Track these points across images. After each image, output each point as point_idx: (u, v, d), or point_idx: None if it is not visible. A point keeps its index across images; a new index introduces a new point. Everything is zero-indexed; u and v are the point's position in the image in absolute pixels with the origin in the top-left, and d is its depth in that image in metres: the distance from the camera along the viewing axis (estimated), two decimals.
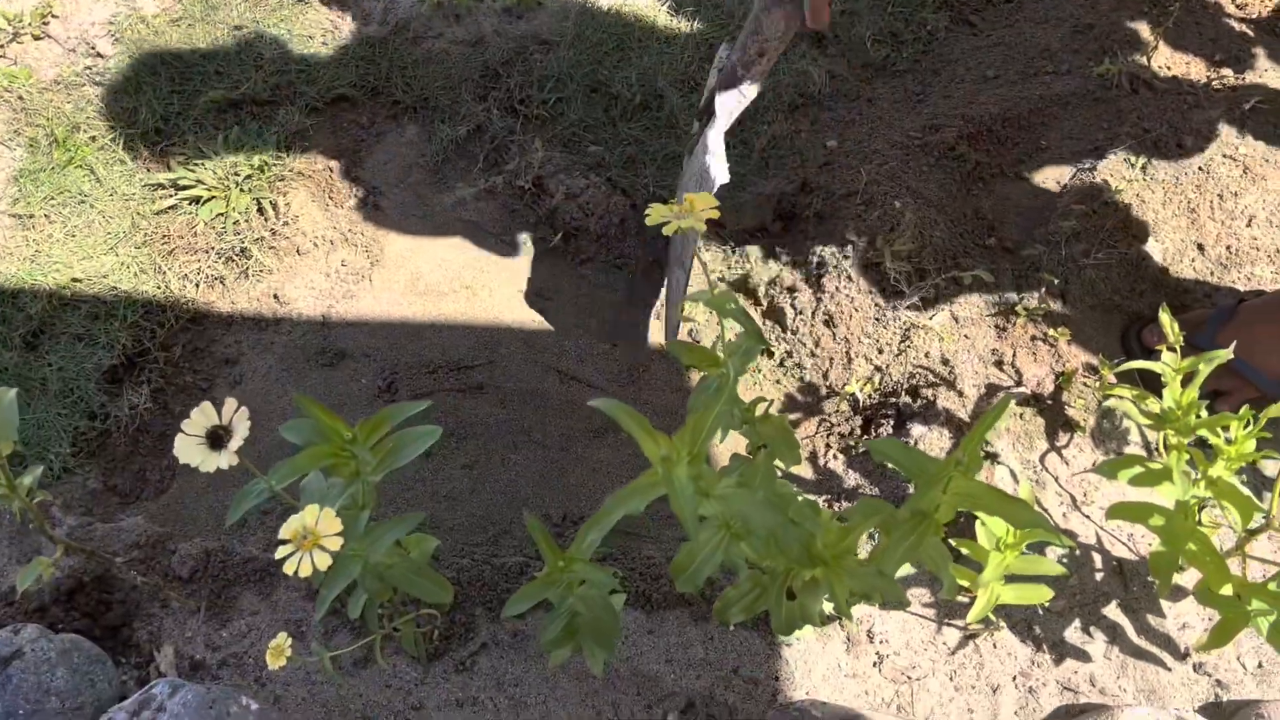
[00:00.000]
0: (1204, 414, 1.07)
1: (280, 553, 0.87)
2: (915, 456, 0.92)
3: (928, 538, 0.95)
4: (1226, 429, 1.08)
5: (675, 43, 1.86)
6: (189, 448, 0.93)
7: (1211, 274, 1.57)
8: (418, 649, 1.26)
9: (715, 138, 1.36)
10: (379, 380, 1.55)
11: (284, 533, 0.87)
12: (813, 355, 1.57)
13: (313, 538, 0.86)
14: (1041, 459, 1.45)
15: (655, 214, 0.95)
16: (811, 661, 1.29)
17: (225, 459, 0.92)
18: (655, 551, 1.39)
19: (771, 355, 1.55)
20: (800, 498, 1.04)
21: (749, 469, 0.90)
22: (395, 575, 1.01)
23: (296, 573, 0.86)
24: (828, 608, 1.32)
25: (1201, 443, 1.32)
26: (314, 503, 0.92)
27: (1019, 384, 1.50)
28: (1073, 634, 1.32)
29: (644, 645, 1.30)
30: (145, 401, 1.51)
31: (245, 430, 0.93)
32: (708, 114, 1.41)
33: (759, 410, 1.04)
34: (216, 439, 0.94)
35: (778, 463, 1.36)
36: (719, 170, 1.31)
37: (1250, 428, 1.06)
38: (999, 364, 1.51)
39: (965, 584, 1.19)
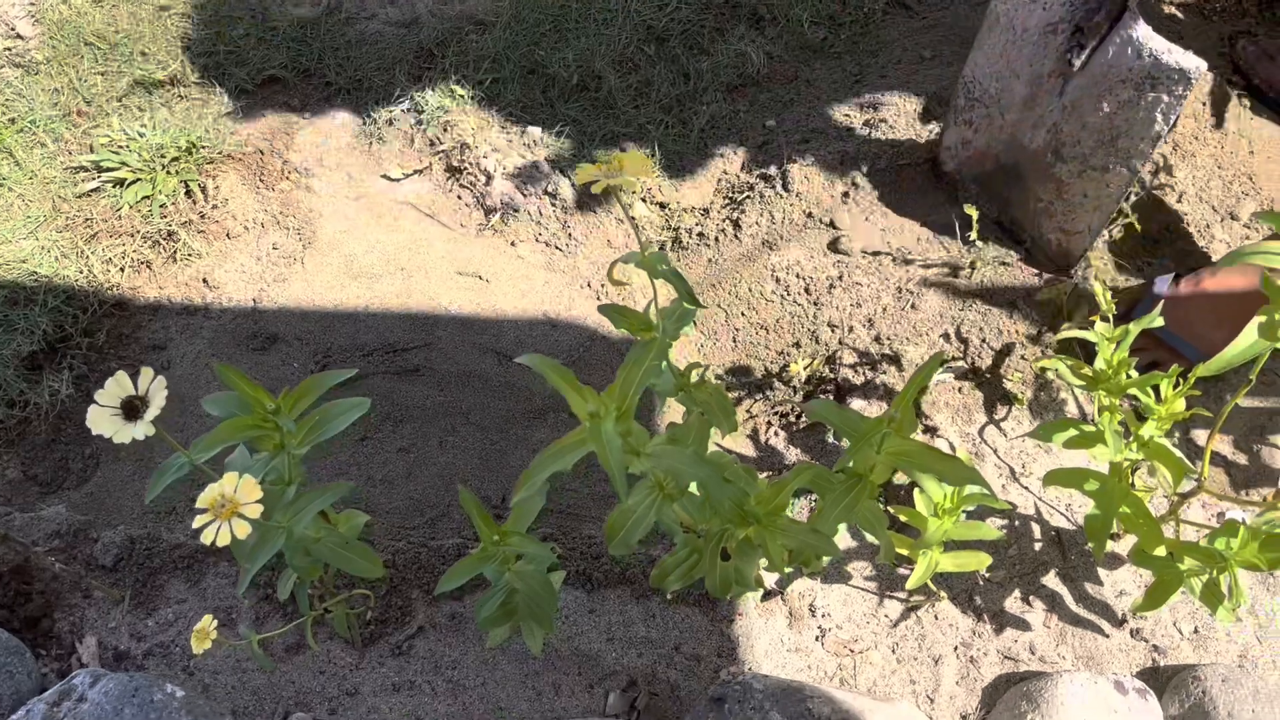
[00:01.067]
0: (1134, 374, 1.08)
1: (197, 522, 0.84)
2: (849, 417, 0.91)
3: (863, 499, 0.94)
4: (1156, 389, 1.09)
5: (613, 24, 1.85)
6: (102, 418, 0.89)
7: (1145, 249, 1.59)
8: (351, 632, 1.23)
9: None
10: (311, 364, 1.52)
11: (201, 501, 0.84)
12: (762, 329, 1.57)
13: (231, 506, 0.83)
14: (980, 432, 1.46)
15: (583, 174, 0.93)
16: (754, 637, 1.28)
17: (141, 429, 0.89)
18: (596, 531, 1.37)
19: (695, 323, 1.55)
20: (738, 465, 1.03)
21: (681, 428, 0.88)
22: (323, 550, 0.98)
23: (214, 544, 0.83)
24: (768, 580, 1.31)
25: (1138, 415, 1.33)
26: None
27: (963, 357, 1.50)
28: (1013, 603, 1.32)
29: (585, 624, 1.28)
30: (67, 388, 1.46)
31: (162, 400, 0.90)
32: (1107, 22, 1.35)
33: (694, 376, 1.02)
34: (132, 409, 0.90)
35: (716, 435, 1.35)
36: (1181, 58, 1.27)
37: (1180, 387, 1.07)
38: (945, 337, 1.52)
39: (905, 552, 1.19)
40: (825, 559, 1.31)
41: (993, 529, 1.13)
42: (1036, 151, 1.48)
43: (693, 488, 0.96)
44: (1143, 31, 1.32)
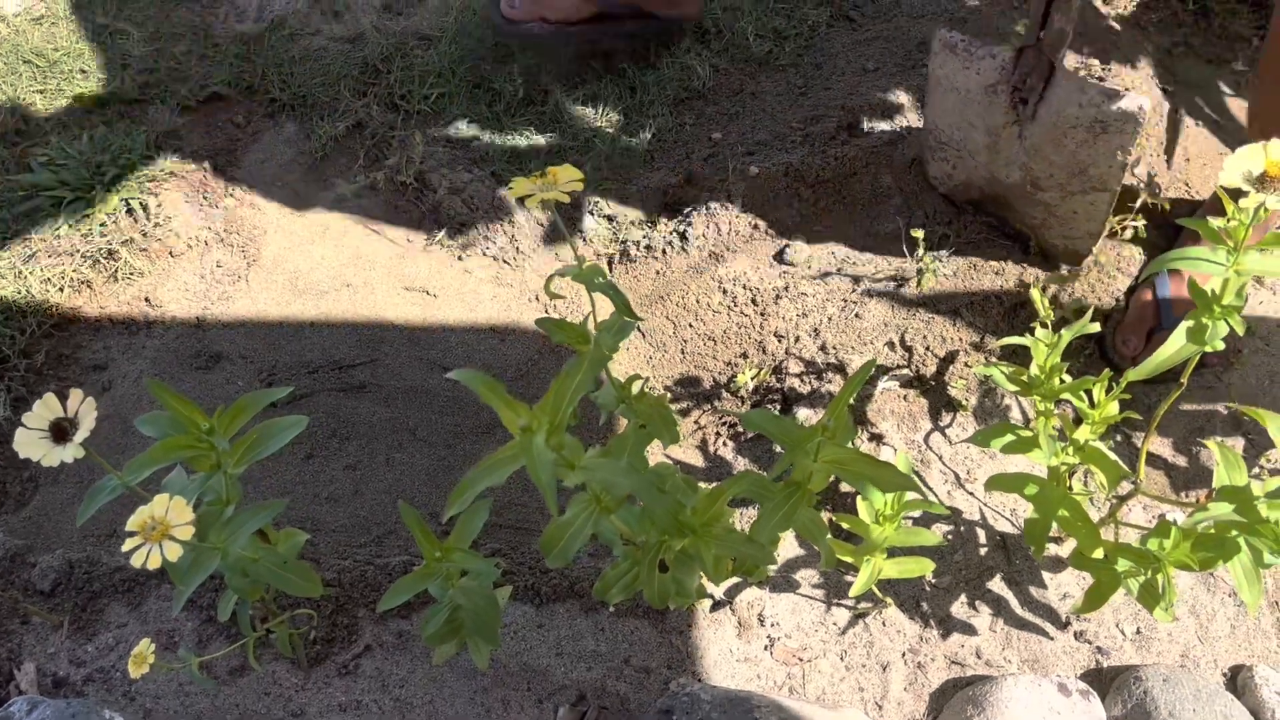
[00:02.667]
0: (1067, 379, 1.10)
1: (127, 545, 0.83)
2: (785, 425, 0.92)
3: (801, 507, 0.95)
4: (1090, 394, 1.10)
5: (559, 39, 1.85)
6: (30, 442, 0.88)
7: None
8: (296, 652, 1.22)
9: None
10: (256, 382, 1.50)
11: (131, 524, 0.83)
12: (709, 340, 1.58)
13: (161, 528, 0.82)
14: (925, 439, 1.47)
15: (518, 187, 0.93)
16: (703, 647, 1.28)
17: (70, 452, 0.87)
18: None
19: (644, 335, 1.55)
20: (679, 476, 1.03)
21: (618, 440, 0.89)
22: (260, 570, 0.97)
23: (145, 566, 0.82)
24: (716, 591, 1.31)
25: (1079, 420, 1.35)
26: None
27: (908, 365, 1.51)
28: (959, 609, 1.33)
29: (533, 639, 1.28)
30: (4, 411, 1.44)
31: (92, 422, 0.89)
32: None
33: (635, 388, 1.02)
34: (61, 432, 0.89)
35: (660, 446, 1.35)
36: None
37: (1112, 391, 1.09)
38: (889, 345, 1.53)
39: (849, 559, 1.20)
40: (770, 568, 1.32)
41: (934, 535, 1.15)
42: (1015, 184, 1.51)
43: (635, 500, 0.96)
44: (1076, 86, 1.36)
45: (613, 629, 1.28)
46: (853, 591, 1.17)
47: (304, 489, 1.42)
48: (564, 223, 0.92)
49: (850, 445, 1.43)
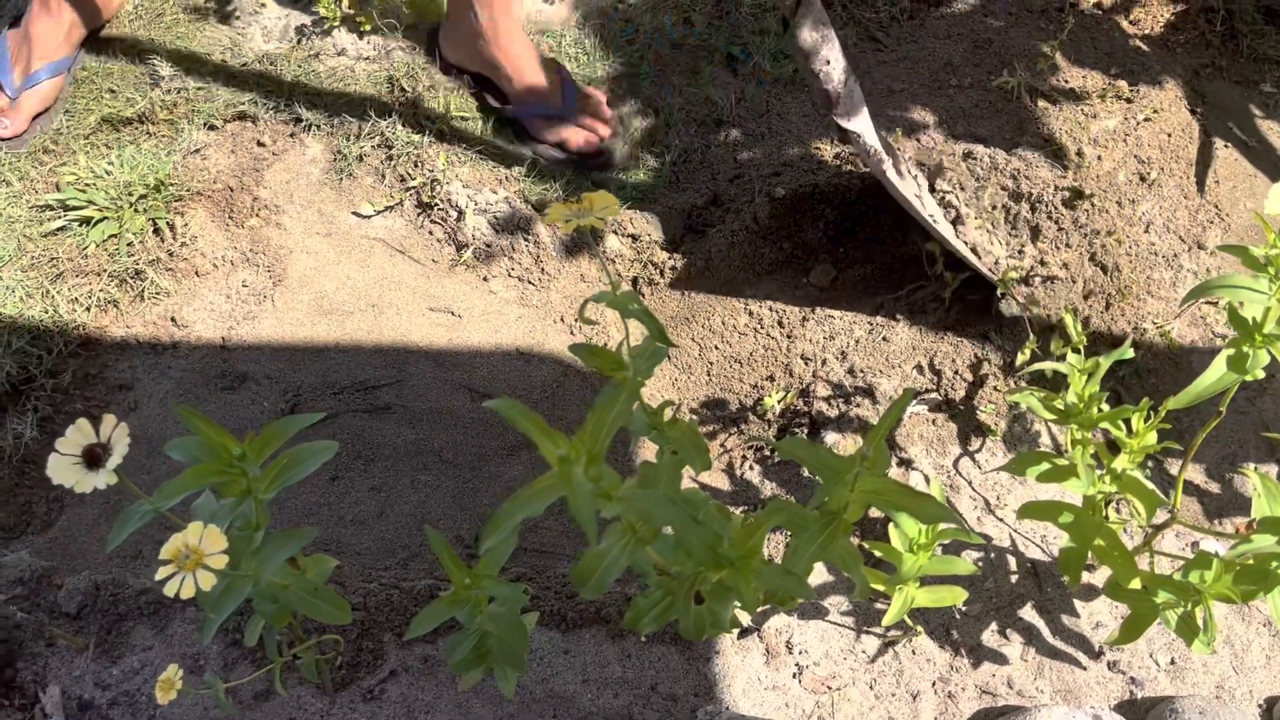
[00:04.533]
0: (1105, 407, 1.08)
1: (160, 574, 0.82)
2: (821, 454, 0.91)
3: (837, 537, 0.94)
4: (1128, 422, 1.09)
5: (582, 61, 1.85)
6: (63, 468, 0.88)
7: None
8: (322, 677, 1.21)
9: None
10: (281, 403, 1.50)
11: (165, 553, 0.83)
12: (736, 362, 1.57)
13: (195, 557, 0.82)
14: (955, 464, 1.45)
15: (553, 214, 0.93)
16: (731, 675, 1.27)
17: (103, 478, 0.87)
18: (570, 569, 1.35)
19: (670, 357, 1.55)
20: (712, 504, 1.02)
21: (652, 469, 0.88)
22: (290, 596, 0.97)
23: (178, 595, 0.81)
24: (744, 619, 1.30)
25: (1112, 446, 1.33)
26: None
27: (936, 389, 1.50)
28: (990, 637, 1.32)
29: (559, 665, 1.26)
30: (31, 430, 1.43)
31: (125, 448, 0.88)
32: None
33: (666, 415, 1.02)
34: (94, 458, 0.89)
35: (689, 471, 1.34)
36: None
37: (1151, 420, 1.07)
38: (918, 369, 1.52)
39: (881, 588, 1.18)
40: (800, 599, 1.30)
41: (968, 564, 1.13)
42: None
43: (667, 529, 0.95)
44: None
45: (639, 656, 1.27)
46: (885, 620, 1.16)
47: (329, 511, 1.42)
48: (598, 250, 0.92)
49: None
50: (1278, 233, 0.96)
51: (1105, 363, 1.08)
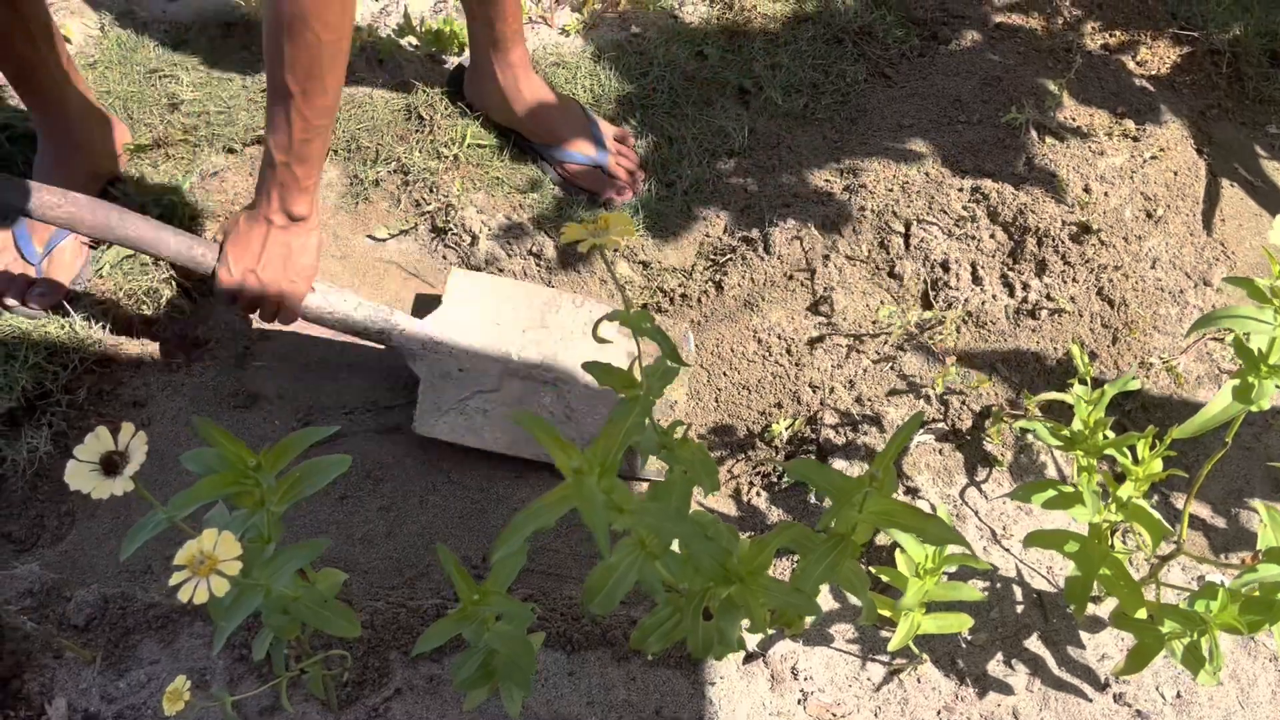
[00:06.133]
0: (1110, 434, 1.09)
1: (175, 579, 0.83)
2: (830, 475, 0.92)
3: (845, 559, 0.94)
4: (1134, 450, 1.10)
5: (595, 93, 1.88)
6: (81, 474, 0.89)
7: None
8: (328, 694, 1.21)
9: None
10: (293, 422, 1.51)
11: (179, 558, 0.83)
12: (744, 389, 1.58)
13: (209, 562, 0.82)
14: (961, 494, 1.46)
15: (570, 232, 0.95)
16: (735, 700, 1.27)
17: (120, 485, 0.88)
18: (577, 591, 1.36)
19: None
20: (721, 525, 1.03)
21: (663, 485, 0.89)
22: (300, 608, 0.97)
23: (191, 603, 0.82)
24: (751, 642, 1.30)
25: (1119, 479, 1.34)
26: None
27: (944, 419, 1.51)
28: (995, 667, 1.32)
29: (564, 687, 1.27)
30: (46, 445, 1.45)
31: (142, 456, 0.89)
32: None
33: (677, 434, 1.03)
34: (111, 465, 0.90)
35: (698, 492, 1.35)
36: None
37: (1156, 448, 1.08)
38: (925, 398, 1.53)
39: (887, 613, 1.19)
40: (807, 620, 1.30)
41: (974, 590, 1.14)
42: None
43: (675, 546, 0.96)
44: None
45: (644, 679, 1.27)
46: (891, 646, 1.16)
47: (338, 529, 1.43)
48: (613, 271, 0.93)
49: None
50: None
51: (1110, 390, 1.09)
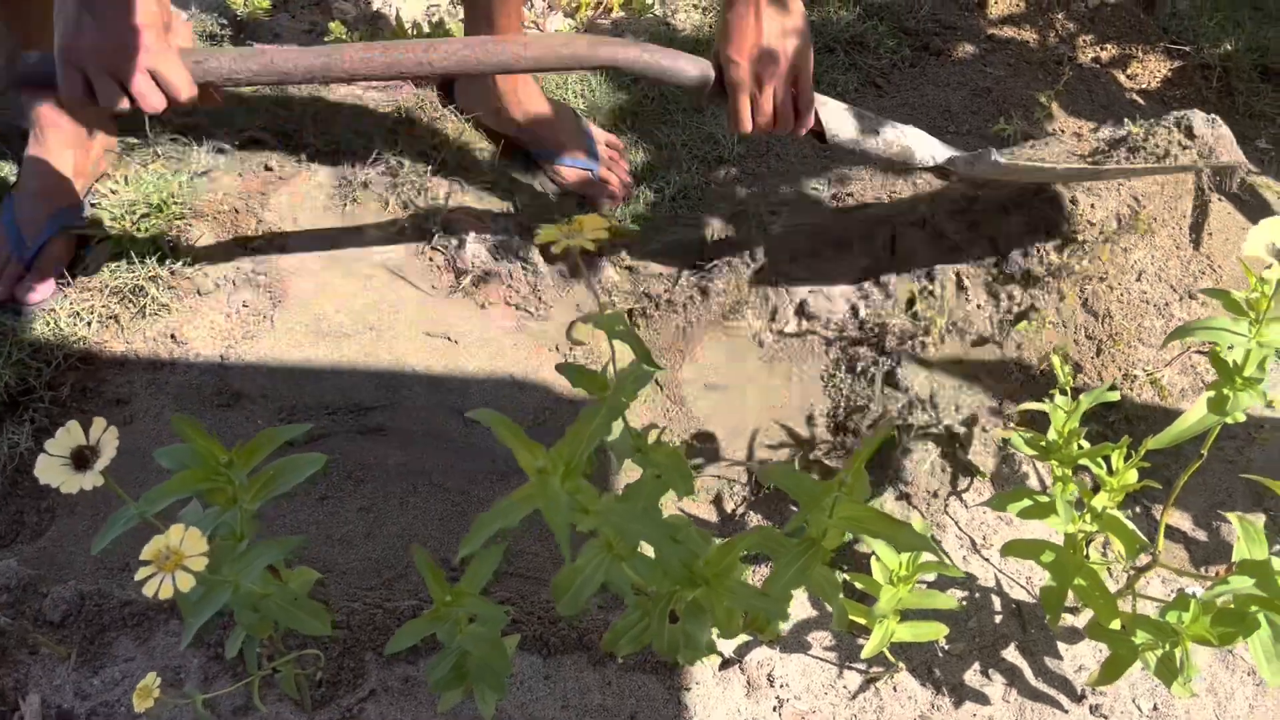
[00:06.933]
0: (1085, 444, 1.09)
1: (140, 574, 0.83)
2: (801, 479, 0.92)
3: (815, 564, 0.94)
4: (1109, 460, 1.10)
5: (592, 99, 1.89)
6: (51, 468, 0.89)
7: None
8: (301, 694, 1.21)
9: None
10: (275, 421, 1.51)
11: (146, 553, 0.83)
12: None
13: (175, 558, 0.82)
14: (944, 502, 1.46)
15: (544, 234, 0.95)
16: (710, 706, 1.26)
17: (90, 480, 0.88)
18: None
19: (661, 387, 1.56)
20: (693, 529, 1.03)
21: (633, 488, 0.89)
22: (270, 606, 0.97)
23: (157, 596, 0.82)
24: (727, 648, 1.30)
25: (1098, 488, 1.34)
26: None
27: (928, 426, 1.51)
28: (972, 677, 1.31)
29: (540, 691, 1.26)
30: (27, 441, 1.45)
31: (113, 451, 0.90)
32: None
33: (651, 437, 1.03)
34: (82, 459, 0.90)
35: (673, 497, 1.35)
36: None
37: (1131, 459, 1.08)
38: (909, 406, 1.53)
39: (862, 621, 1.18)
40: (782, 625, 1.30)
41: (949, 598, 1.13)
42: None
43: (645, 548, 0.96)
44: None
45: (620, 684, 1.27)
46: (865, 653, 1.16)
47: (317, 530, 1.42)
48: (587, 272, 0.94)
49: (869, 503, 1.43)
50: (1258, 276, 0.97)
51: (1086, 400, 1.09)
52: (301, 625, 0.98)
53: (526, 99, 1.71)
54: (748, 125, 1.37)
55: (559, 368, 0.98)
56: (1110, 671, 1.13)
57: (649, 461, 1.03)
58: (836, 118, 1.43)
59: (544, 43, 1.34)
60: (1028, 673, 1.32)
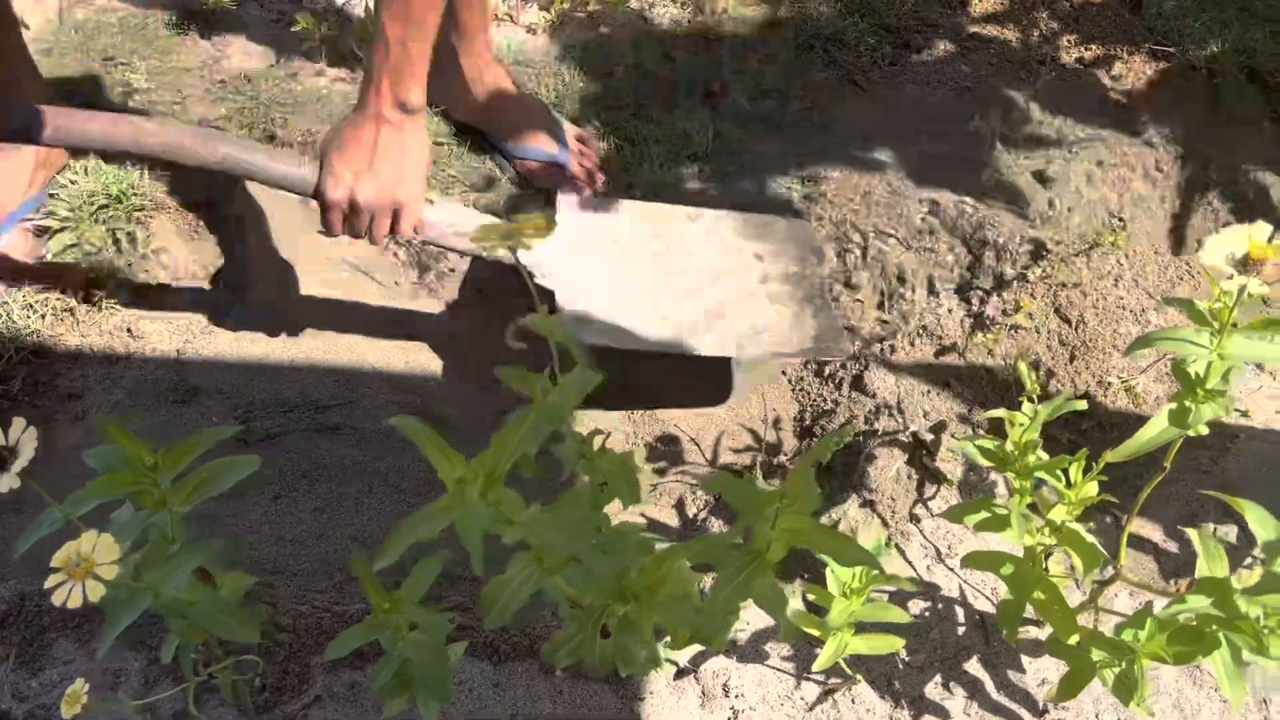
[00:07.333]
0: (1043, 456, 1.06)
1: (50, 581, 0.80)
2: (743, 489, 0.89)
3: (759, 576, 0.92)
4: (1067, 473, 1.07)
5: (564, 93, 1.85)
6: None
7: None
8: (241, 699, 1.18)
9: None
10: (231, 418, 1.48)
11: (56, 560, 0.81)
12: None
13: (85, 565, 0.79)
14: (910, 510, 1.43)
15: (483, 233, 0.92)
16: (664, 717, 1.24)
17: (5, 482, 0.85)
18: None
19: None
20: (643, 538, 1.00)
21: (572, 496, 0.86)
22: (197, 612, 0.94)
23: (65, 604, 0.79)
24: (682, 657, 1.27)
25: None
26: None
27: (896, 433, 1.48)
28: (933, 689, 1.28)
29: (489, 698, 1.24)
30: None
31: (32, 451, 0.87)
32: None
33: (596, 443, 1.00)
34: (0, 461, 0.87)
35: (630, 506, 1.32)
36: None
37: (1091, 472, 1.05)
38: (876, 411, 1.50)
39: (815, 632, 1.16)
40: (739, 634, 1.28)
41: (902, 612, 1.11)
42: None
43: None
44: None
45: (571, 692, 1.24)
46: (816, 666, 1.13)
47: (269, 530, 1.40)
48: (528, 273, 0.91)
49: (834, 514, 1.40)
50: (1220, 287, 0.94)
51: (1045, 411, 1.06)
52: (230, 632, 0.95)
53: (492, 83, 1.68)
54: (336, 234, 1.37)
55: (498, 370, 0.95)
56: (1068, 688, 1.10)
57: (594, 468, 1.00)
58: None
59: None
60: (989, 685, 1.29)
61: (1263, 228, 0.86)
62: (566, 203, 1.54)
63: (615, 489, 1.00)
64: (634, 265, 1.49)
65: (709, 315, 1.45)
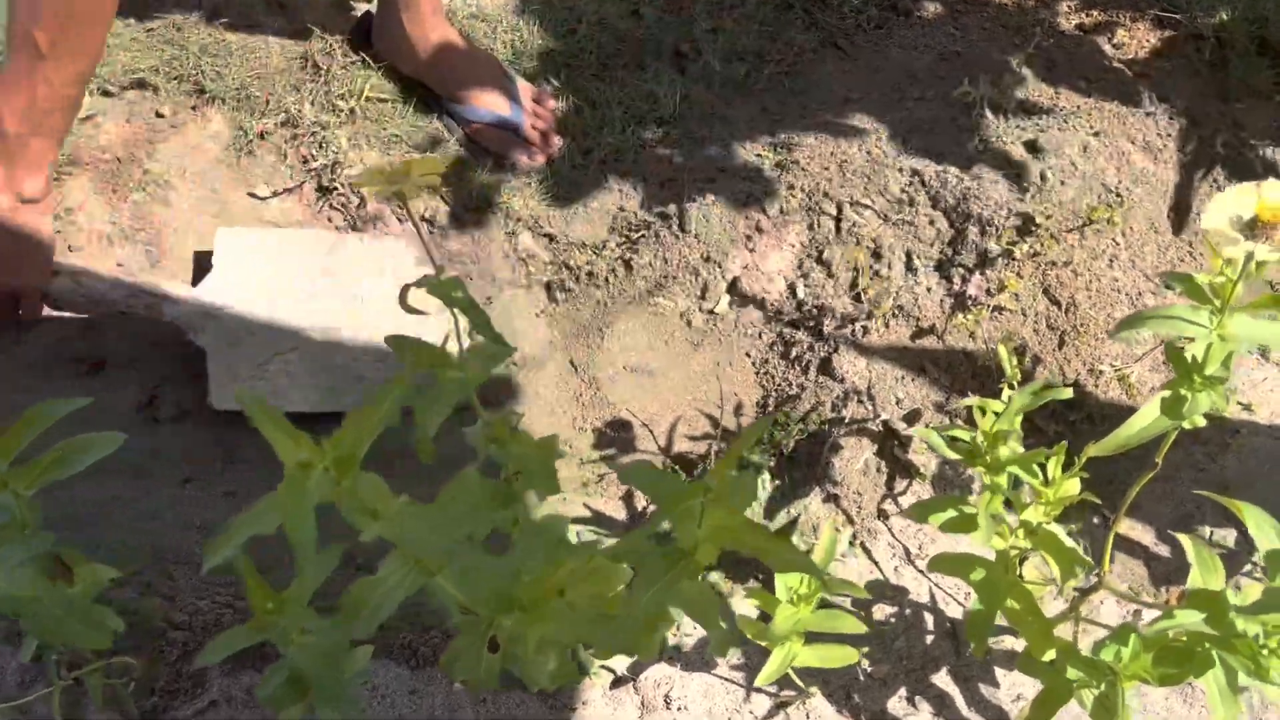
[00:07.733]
0: (1018, 449, 0.94)
1: None
2: (662, 482, 0.77)
3: (684, 579, 0.79)
4: (1045, 468, 0.94)
5: (523, 50, 1.73)
6: None
7: None
8: (123, 705, 1.06)
9: None
10: (139, 392, 1.37)
11: None
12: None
13: None
14: (877, 506, 1.31)
15: (367, 177, 0.80)
16: None
17: None
18: (424, 599, 1.21)
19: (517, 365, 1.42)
20: (560, 533, 0.88)
21: (456, 484, 0.73)
22: (40, 612, 0.82)
23: None
24: (619, 665, 1.15)
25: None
26: None
27: (866, 421, 1.36)
28: (896, 704, 1.17)
29: (404, 707, 1.12)
30: None
31: None
32: None
33: (508, 426, 0.87)
34: None
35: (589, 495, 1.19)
36: None
37: (1072, 468, 0.93)
38: (845, 397, 1.38)
39: (762, 642, 1.04)
40: (684, 640, 1.16)
41: (857, 622, 0.99)
42: None
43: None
44: None
45: (496, 701, 1.13)
46: (760, 680, 1.02)
47: (174, 515, 1.27)
48: (418, 224, 0.79)
49: (793, 509, 1.28)
50: (1222, 257, 0.81)
51: (1021, 398, 0.93)
52: (75, 637, 0.83)
53: (438, 37, 1.54)
54: None
55: (388, 340, 0.83)
56: (1043, 710, 0.98)
57: (507, 455, 0.88)
58: None
59: None
60: (959, 701, 1.17)
61: (1275, 185, 0.74)
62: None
63: (530, 480, 0.88)
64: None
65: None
